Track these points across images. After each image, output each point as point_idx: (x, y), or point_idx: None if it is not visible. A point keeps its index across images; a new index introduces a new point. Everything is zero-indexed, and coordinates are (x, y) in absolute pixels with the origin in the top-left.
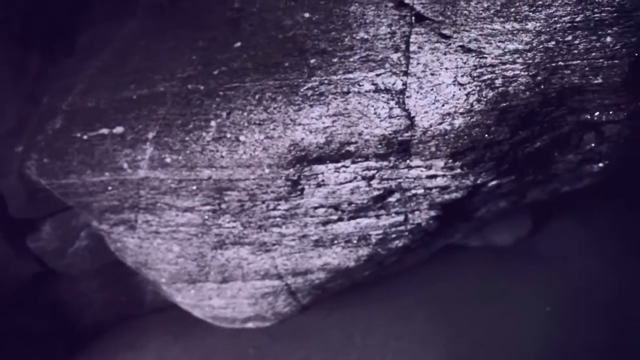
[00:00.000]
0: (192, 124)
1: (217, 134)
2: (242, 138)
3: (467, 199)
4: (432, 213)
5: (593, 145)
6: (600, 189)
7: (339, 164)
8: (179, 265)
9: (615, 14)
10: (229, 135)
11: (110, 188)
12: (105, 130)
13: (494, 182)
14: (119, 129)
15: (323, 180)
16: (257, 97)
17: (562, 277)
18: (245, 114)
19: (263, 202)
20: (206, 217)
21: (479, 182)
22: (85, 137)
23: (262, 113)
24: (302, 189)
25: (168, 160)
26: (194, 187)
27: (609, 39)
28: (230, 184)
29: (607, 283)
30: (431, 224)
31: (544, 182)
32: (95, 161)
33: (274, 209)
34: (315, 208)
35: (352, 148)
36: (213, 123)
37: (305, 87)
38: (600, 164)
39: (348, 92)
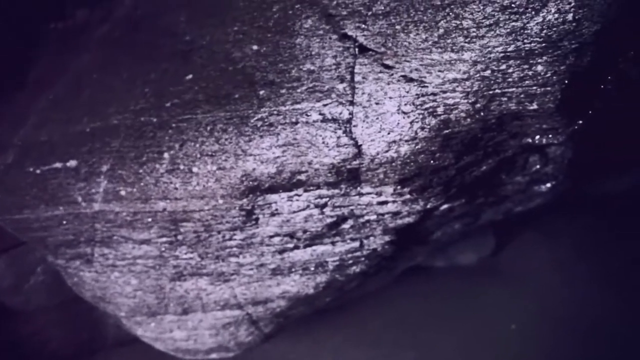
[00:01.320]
0: (145, 156)
1: (170, 166)
2: (195, 169)
3: (420, 223)
4: (387, 238)
5: (538, 166)
6: (561, 206)
7: (292, 193)
8: (137, 298)
9: (544, 44)
10: (182, 167)
11: (64, 222)
12: (58, 164)
13: (445, 206)
14: (72, 163)
15: (277, 209)
16: (208, 128)
17: (525, 294)
18: (198, 145)
19: (219, 232)
20: (163, 248)
21: (429, 206)
22: (38, 171)
23: (214, 144)
24: (257, 219)
25: (122, 192)
26: (149, 219)
27: (540, 67)
28: (185, 215)
29: (570, 299)
30: (387, 249)
31: (496, 203)
32: (48, 195)
33: (230, 239)
34: (271, 237)
35: (303, 177)
36: (166, 155)
37: (255, 118)
38: (548, 184)
39: (297, 122)
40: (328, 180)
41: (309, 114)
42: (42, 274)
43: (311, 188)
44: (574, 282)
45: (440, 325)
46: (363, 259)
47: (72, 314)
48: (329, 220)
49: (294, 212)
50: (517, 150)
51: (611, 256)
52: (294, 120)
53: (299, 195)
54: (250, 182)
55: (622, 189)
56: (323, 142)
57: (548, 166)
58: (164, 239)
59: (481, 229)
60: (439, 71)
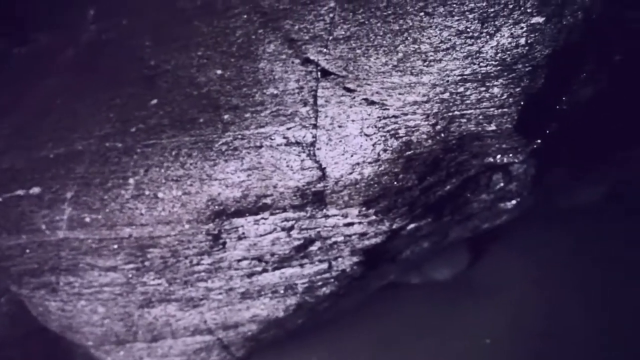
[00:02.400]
0: (110, 182)
1: (135, 192)
2: (160, 195)
3: (387, 243)
4: (355, 259)
5: (502, 184)
6: (532, 219)
7: (258, 217)
8: (105, 327)
9: (499, 67)
10: (147, 193)
11: (28, 251)
12: (21, 192)
13: (411, 226)
14: (35, 190)
15: (244, 233)
16: (173, 153)
17: (500, 308)
18: (163, 170)
19: (186, 257)
20: (130, 275)
21: (395, 227)
22: (0, 199)
23: (179, 169)
24: (224, 243)
25: (87, 219)
26: (115, 246)
27: (496, 89)
28: (152, 241)
29: (543, 312)
30: (356, 269)
31: (463, 221)
32: (11, 224)
33: (198, 263)
34: (239, 261)
35: (268, 200)
36: (131, 180)
37: (219, 143)
38: (513, 201)
39: (261, 146)
40: (293, 203)
41: (273, 137)
42: (5, 304)
43: (277, 211)
44: (546, 294)
45: (415, 341)
46: (332, 280)
47: (38, 344)
48: (296, 242)
49: (261, 235)
50: (480, 170)
51: (582, 267)
52: (258, 144)
53: (266, 219)
54: (216, 207)
55: (591, 200)
56: (287, 166)
57: (512, 184)
58: (131, 266)
59: (455, 245)
60: (400, 94)
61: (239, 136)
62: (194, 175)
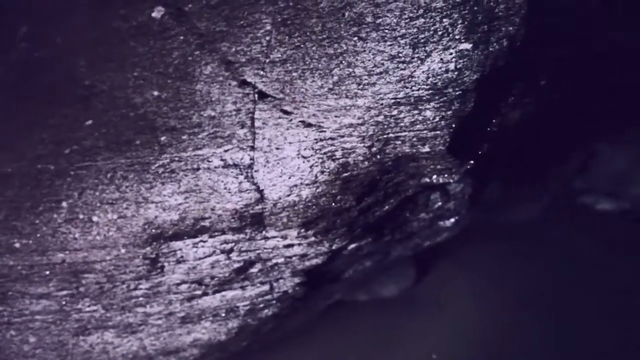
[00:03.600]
0: (42, 206)
1: (69, 215)
2: (95, 218)
3: (329, 263)
4: (297, 280)
5: (440, 203)
6: (475, 234)
7: (197, 239)
8: (37, 358)
9: (430, 91)
10: (81, 216)
11: None
12: None
13: (352, 246)
14: None
15: (182, 257)
16: (109, 175)
17: (446, 323)
18: (98, 193)
19: (123, 282)
20: (64, 302)
21: (334, 247)
22: None
23: (114, 192)
24: (162, 267)
25: (17, 245)
26: (48, 272)
27: (428, 112)
28: (86, 266)
29: (488, 325)
30: (298, 290)
31: (404, 239)
32: None
33: (136, 288)
34: (178, 284)
35: (207, 223)
36: (64, 204)
37: (156, 165)
38: (452, 219)
39: (198, 169)
40: (232, 225)
41: (210, 159)
42: None
43: (216, 234)
44: (491, 308)
45: (363, 358)
46: (274, 301)
47: None
48: (236, 265)
49: (200, 258)
50: (417, 189)
51: (524, 281)
52: (195, 166)
53: (204, 242)
54: (153, 230)
55: (530, 215)
56: (225, 188)
57: (450, 202)
58: (65, 292)
59: (401, 261)
60: (336, 117)
61: (176, 158)
62: (129, 198)
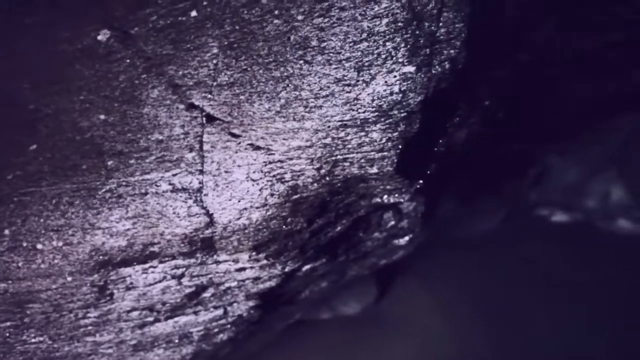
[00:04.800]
0: None
1: (11, 244)
2: (39, 246)
3: (283, 285)
4: (251, 303)
5: (394, 222)
6: (436, 249)
7: (147, 265)
8: None
9: (376, 113)
10: (25, 244)
11: None
12: None
13: (306, 267)
14: None
15: (132, 283)
16: (54, 202)
17: (408, 338)
18: (42, 220)
19: (70, 311)
20: (7, 334)
21: (287, 270)
22: None
23: (59, 219)
24: (112, 294)
25: None
26: None
27: (375, 134)
28: (31, 295)
29: (450, 339)
30: (253, 313)
31: (359, 259)
32: None
33: (84, 317)
34: (129, 311)
35: (156, 248)
36: (7, 232)
37: (103, 190)
38: (406, 237)
39: (146, 193)
40: (182, 250)
41: (158, 184)
42: None
43: (166, 259)
44: (453, 321)
45: None
46: (229, 326)
47: None
48: (187, 290)
49: (151, 284)
50: (369, 209)
51: (484, 294)
52: (143, 191)
53: (154, 267)
54: (101, 257)
55: (486, 229)
56: (174, 213)
57: (403, 221)
58: (8, 323)
59: (363, 278)
60: (284, 139)
61: (124, 183)
62: (75, 225)
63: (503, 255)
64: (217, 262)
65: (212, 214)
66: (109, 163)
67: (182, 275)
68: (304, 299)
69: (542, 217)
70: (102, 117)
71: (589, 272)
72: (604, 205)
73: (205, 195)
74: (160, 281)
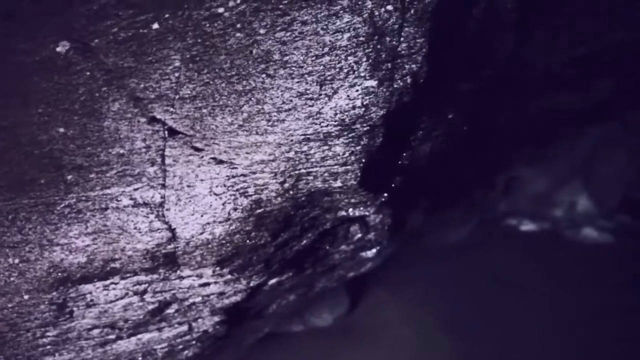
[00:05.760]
0: None
1: None
2: None
3: (249, 299)
4: (217, 318)
5: (360, 235)
6: (407, 259)
7: (108, 282)
8: None
9: (339, 127)
10: None
11: None
12: None
13: (272, 281)
14: None
15: (92, 300)
16: (10, 217)
17: (379, 349)
18: None
19: (28, 330)
20: None
21: (252, 284)
22: None
23: (16, 235)
24: (71, 312)
25: None
26: None
27: (338, 148)
28: None
29: (420, 349)
30: (219, 329)
31: (326, 272)
32: None
33: (42, 336)
34: (89, 329)
35: (117, 265)
36: None
37: (62, 205)
38: (374, 250)
39: (106, 208)
40: (144, 266)
41: (119, 199)
42: None
43: (128, 275)
44: (422, 332)
45: None
46: (194, 342)
47: None
48: (150, 306)
49: (112, 301)
50: (335, 222)
51: (454, 303)
52: (103, 206)
53: (116, 284)
54: (59, 274)
55: (458, 238)
56: (135, 228)
57: (370, 233)
58: None
59: (335, 289)
60: (247, 153)
61: (83, 198)
62: (33, 241)
63: (473, 265)
64: (181, 278)
65: (174, 228)
66: (68, 177)
67: (145, 291)
68: (272, 312)
69: (511, 226)
70: (62, 130)
71: (556, 280)
72: (570, 214)
73: (167, 209)
74: (122, 298)
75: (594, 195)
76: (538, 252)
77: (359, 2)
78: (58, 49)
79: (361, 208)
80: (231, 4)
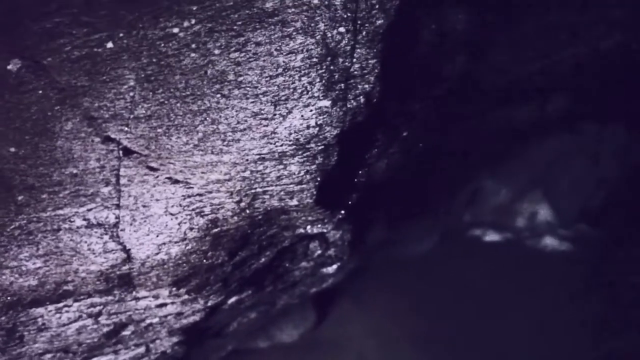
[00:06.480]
0: None
1: None
2: None
3: (208, 318)
4: (175, 339)
5: (320, 251)
6: (373, 271)
7: (60, 304)
8: None
9: (294, 147)
10: None
11: None
12: None
13: (232, 300)
14: None
15: (44, 324)
16: None
17: None
18: None
19: None
20: None
21: (210, 303)
22: None
23: None
24: (21, 336)
25: None
26: None
27: (293, 167)
28: None
29: None
30: (177, 349)
31: (287, 289)
32: None
33: None
34: (41, 354)
35: (70, 287)
36: None
37: (12, 227)
38: (335, 265)
39: (59, 230)
40: (98, 288)
41: (72, 219)
42: None
43: (81, 297)
44: (388, 344)
45: None
46: None
47: None
48: (105, 329)
49: (65, 324)
50: (294, 240)
51: (419, 315)
52: (55, 227)
53: (69, 306)
54: (9, 297)
55: (423, 250)
56: (89, 249)
57: (330, 250)
58: None
59: (300, 304)
60: (202, 173)
61: (35, 219)
62: None
63: (438, 276)
64: (137, 299)
65: (129, 249)
66: (19, 198)
67: (99, 313)
68: (234, 330)
69: (475, 237)
70: (13, 149)
71: (518, 288)
72: (531, 224)
73: (122, 230)
74: (75, 321)
75: (554, 205)
76: (502, 261)
77: (312, 24)
78: (9, 67)
79: (319, 225)
80: (186, 24)
